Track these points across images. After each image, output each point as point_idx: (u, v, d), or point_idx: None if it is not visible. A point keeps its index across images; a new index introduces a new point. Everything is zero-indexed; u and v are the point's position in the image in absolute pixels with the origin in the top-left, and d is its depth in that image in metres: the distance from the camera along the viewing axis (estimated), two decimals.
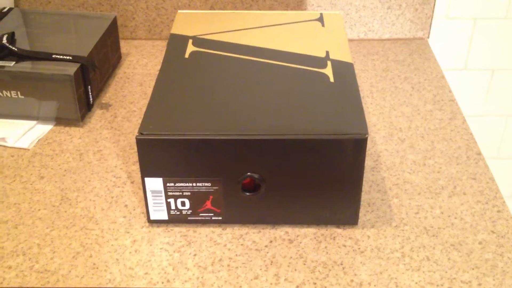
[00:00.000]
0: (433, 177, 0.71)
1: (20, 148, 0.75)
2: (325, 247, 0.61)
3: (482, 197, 0.68)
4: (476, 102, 1.09)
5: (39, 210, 0.66)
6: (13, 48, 0.78)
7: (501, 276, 0.58)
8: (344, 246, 0.62)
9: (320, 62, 0.70)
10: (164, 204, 0.62)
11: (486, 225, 0.64)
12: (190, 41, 0.75)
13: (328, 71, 0.68)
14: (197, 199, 0.62)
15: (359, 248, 0.61)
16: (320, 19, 0.80)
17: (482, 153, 0.74)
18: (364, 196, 0.68)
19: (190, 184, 0.61)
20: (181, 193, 0.62)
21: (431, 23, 1.00)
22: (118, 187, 0.69)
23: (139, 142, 0.58)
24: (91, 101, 0.82)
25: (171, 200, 0.62)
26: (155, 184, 0.61)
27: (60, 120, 0.80)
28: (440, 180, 0.70)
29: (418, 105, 0.84)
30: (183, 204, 0.62)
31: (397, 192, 0.69)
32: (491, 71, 1.06)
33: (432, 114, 0.83)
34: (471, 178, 0.71)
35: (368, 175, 0.71)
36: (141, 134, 0.58)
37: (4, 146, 0.76)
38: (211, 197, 0.62)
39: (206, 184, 0.61)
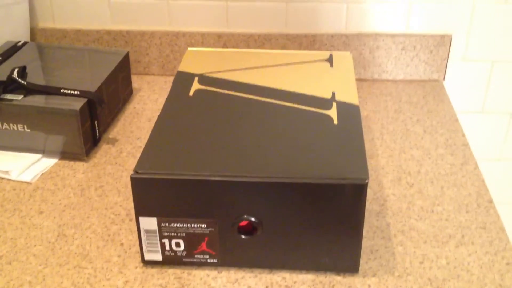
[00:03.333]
0: (440, 224, 0.68)
1: (23, 182, 0.75)
2: None
3: (491, 248, 0.64)
4: (494, 146, 1.06)
5: (34, 246, 0.65)
6: (23, 82, 0.79)
7: None
8: None
9: (325, 103, 0.69)
10: (159, 245, 0.61)
11: (494, 278, 0.61)
12: (196, 78, 0.74)
13: (333, 112, 0.67)
14: (192, 240, 0.60)
15: None
16: (330, 60, 0.79)
17: (493, 201, 0.71)
18: (366, 243, 0.65)
19: (185, 225, 0.60)
20: (175, 234, 0.60)
21: (446, 65, 0.99)
22: (116, 224, 0.68)
23: (134, 180, 0.57)
24: (98, 136, 0.82)
25: (166, 241, 0.61)
26: (149, 223, 0.60)
27: (66, 154, 0.80)
28: (447, 228, 0.67)
29: (429, 149, 0.82)
30: (177, 245, 0.61)
31: (402, 240, 0.66)
32: (509, 115, 1.03)
33: (443, 158, 0.80)
34: (481, 227, 0.68)
35: (372, 220, 0.69)
36: (136, 172, 0.58)
37: (7, 179, 0.76)
38: (206, 238, 0.60)
39: (202, 225, 0.59)
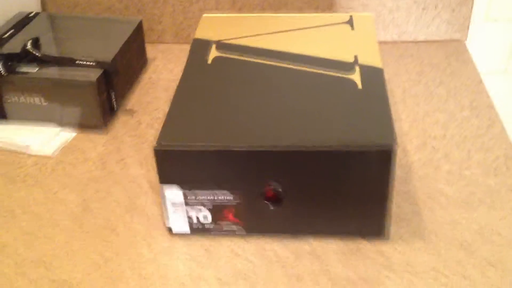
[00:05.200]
0: (469, 189, 0.67)
1: (44, 156, 0.74)
2: (351, 262, 0.58)
3: None
4: None
5: (60, 220, 0.65)
6: (37, 53, 0.78)
7: None
8: (372, 260, 0.58)
9: (348, 67, 0.67)
10: (185, 216, 0.60)
11: None
12: (214, 45, 0.73)
13: (356, 77, 0.65)
14: (218, 211, 0.60)
15: (387, 263, 0.58)
16: (350, 22, 0.77)
17: None
18: (394, 209, 0.64)
19: (212, 197, 0.59)
20: (202, 205, 0.59)
21: (469, 25, 0.96)
22: (141, 197, 0.68)
23: (157, 152, 0.56)
24: (115, 107, 0.81)
25: (192, 213, 0.60)
26: (175, 195, 0.59)
27: (84, 127, 0.79)
28: (477, 193, 0.66)
29: (454, 112, 0.80)
30: (204, 216, 0.60)
31: (430, 205, 0.65)
32: None
33: (468, 121, 0.78)
34: (511, 190, 0.66)
35: (399, 187, 0.68)
36: (160, 144, 0.57)
37: (28, 154, 0.75)
38: (233, 209, 0.60)
39: (228, 197, 0.59)
